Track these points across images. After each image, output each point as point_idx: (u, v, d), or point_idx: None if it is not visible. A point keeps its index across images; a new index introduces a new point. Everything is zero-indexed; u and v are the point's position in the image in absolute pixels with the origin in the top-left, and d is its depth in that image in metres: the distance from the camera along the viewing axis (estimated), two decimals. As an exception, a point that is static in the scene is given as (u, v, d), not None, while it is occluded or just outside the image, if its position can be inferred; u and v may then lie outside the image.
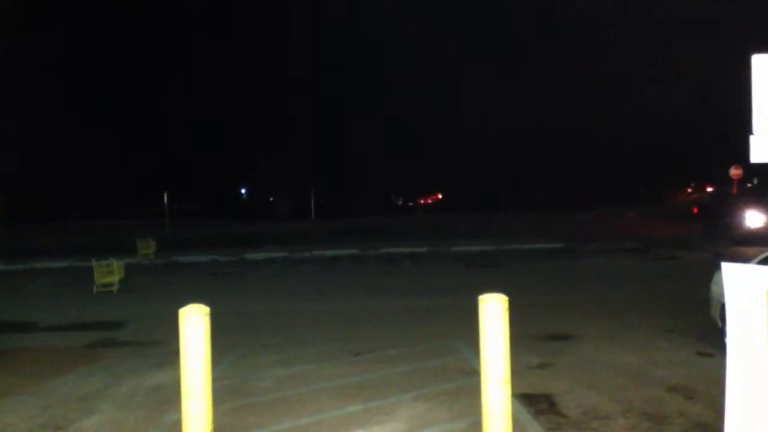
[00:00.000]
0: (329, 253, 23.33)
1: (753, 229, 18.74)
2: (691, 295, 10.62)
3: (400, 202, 75.49)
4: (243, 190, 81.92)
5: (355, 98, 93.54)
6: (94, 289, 15.06)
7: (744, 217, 19.27)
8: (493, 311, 4.52)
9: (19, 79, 58.41)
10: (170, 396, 6.48)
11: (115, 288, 15.14)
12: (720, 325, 7.80)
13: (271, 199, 76.15)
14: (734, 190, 26.77)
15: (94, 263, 15.39)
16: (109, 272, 15.32)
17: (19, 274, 20.23)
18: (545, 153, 77.80)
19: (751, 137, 4.54)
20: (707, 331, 8.39)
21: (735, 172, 40.13)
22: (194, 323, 4.37)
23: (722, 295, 5.22)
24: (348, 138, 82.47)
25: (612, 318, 10.15)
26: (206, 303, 4.45)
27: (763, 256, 7.48)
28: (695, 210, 30.23)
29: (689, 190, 77.54)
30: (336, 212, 56.98)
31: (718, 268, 6.82)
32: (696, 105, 68.30)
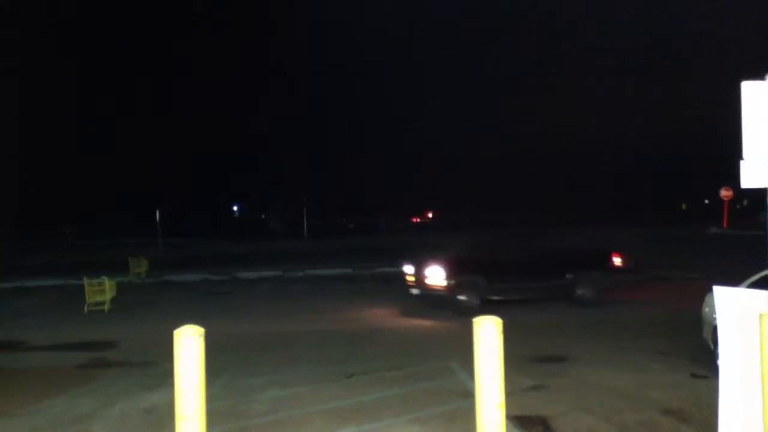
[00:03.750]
0: (322, 272, 23.28)
1: (431, 287, 13.28)
2: (682, 316, 10.67)
3: (383, 222, 75.62)
4: (235, 208, 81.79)
5: (351, 115, 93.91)
6: (86, 308, 14.95)
7: (424, 272, 13.45)
8: (488, 334, 4.54)
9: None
10: (163, 417, 6.43)
11: (106, 307, 15.04)
12: (712, 347, 7.82)
13: (263, 216, 76.03)
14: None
15: (85, 281, 15.30)
16: (101, 291, 15.22)
17: (9, 293, 20.07)
18: (533, 174, 78.20)
19: (742, 162, 4.60)
20: (700, 353, 8.42)
21: (725, 193, 40.50)
22: (189, 344, 4.35)
23: (714, 318, 5.27)
24: (345, 156, 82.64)
25: (605, 339, 10.17)
26: (198, 322, 4.45)
27: (753, 279, 7.54)
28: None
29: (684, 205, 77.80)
30: (329, 231, 56.89)
31: (710, 291, 6.87)
32: (688, 126, 68.93)
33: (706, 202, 68.18)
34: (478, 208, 74.03)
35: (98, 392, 7.93)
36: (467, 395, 6.67)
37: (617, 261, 14.39)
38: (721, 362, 4.32)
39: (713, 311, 4.77)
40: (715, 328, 7.26)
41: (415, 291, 13.80)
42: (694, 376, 7.80)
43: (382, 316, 13.61)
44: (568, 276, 13.78)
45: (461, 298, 13.03)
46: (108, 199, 68.17)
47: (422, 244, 19.35)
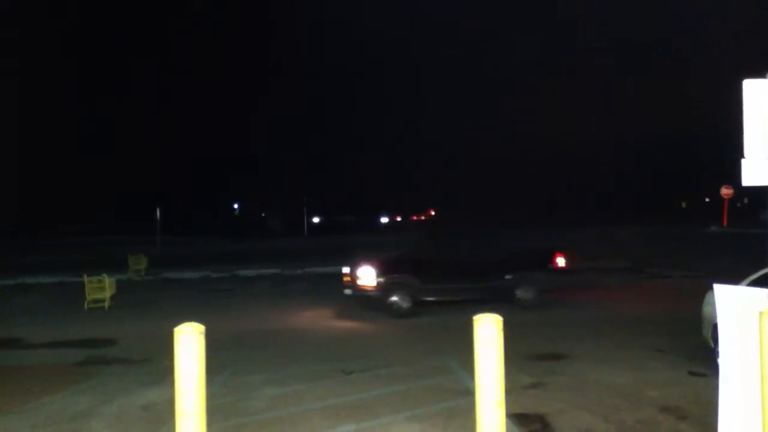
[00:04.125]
0: (321, 270, 23.26)
1: (362, 288, 12.97)
2: (681, 314, 10.67)
3: (385, 220, 75.56)
4: (236, 206, 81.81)
5: (355, 116, 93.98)
6: (85, 305, 14.95)
7: (356, 273, 13.15)
8: (488, 332, 4.53)
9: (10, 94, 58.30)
10: (162, 414, 6.42)
11: (106, 304, 15.04)
12: (712, 345, 7.82)
13: (263, 215, 76.05)
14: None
15: (85, 279, 15.29)
16: (101, 288, 15.22)
17: (9, 290, 20.06)
18: (535, 173, 78.20)
19: (743, 161, 4.59)
20: (699, 350, 8.42)
21: (726, 192, 40.49)
22: (189, 342, 4.35)
23: (714, 316, 5.26)
24: (345, 155, 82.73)
25: (604, 337, 10.17)
26: (198, 320, 4.44)
27: (754, 277, 7.53)
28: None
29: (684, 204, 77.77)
30: (329, 229, 56.93)
31: (710, 288, 6.87)
32: (689, 125, 68.93)
33: (707, 200, 68.17)
34: (478, 207, 74.10)
35: (97, 389, 7.92)
36: (466, 393, 6.67)
37: (561, 261, 14.03)
38: (721, 360, 4.31)
39: (713, 309, 4.76)
40: (714, 327, 7.26)
41: (347, 291, 13.46)
42: (692, 374, 7.79)
43: (380, 313, 13.60)
44: (507, 277, 13.45)
45: (393, 299, 12.81)
46: (108, 199, 68.19)
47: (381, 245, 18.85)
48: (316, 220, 73.64)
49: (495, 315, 4.64)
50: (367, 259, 13.38)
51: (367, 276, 12.95)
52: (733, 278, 7.09)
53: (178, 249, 36.87)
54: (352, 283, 13.24)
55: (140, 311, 14.92)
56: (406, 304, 12.82)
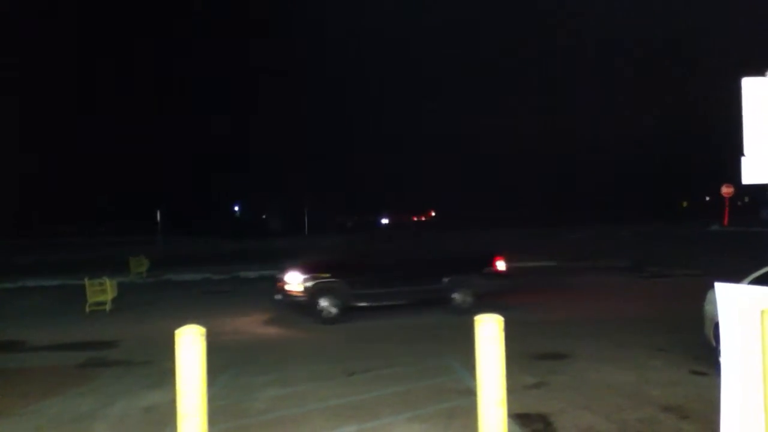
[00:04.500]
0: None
1: (290, 293, 12.74)
2: (682, 313, 10.67)
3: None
4: (236, 207, 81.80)
5: (354, 116, 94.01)
6: (87, 307, 14.96)
7: (284, 277, 12.95)
8: (489, 332, 4.53)
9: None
10: (164, 416, 6.43)
11: (107, 307, 15.05)
12: (714, 344, 7.82)
13: (264, 216, 76.06)
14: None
15: (86, 281, 15.30)
16: (102, 291, 15.23)
17: (11, 293, 20.07)
18: (534, 171, 78.21)
19: (743, 159, 4.60)
20: (700, 349, 8.42)
21: (727, 190, 40.49)
22: (190, 344, 4.35)
23: (716, 315, 5.25)
24: (345, 155, 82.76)
25: (605, 337, 10.17)
26: (199, 322, 4.45)
27: (755, 275, 7.53)
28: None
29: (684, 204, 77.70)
30: (330, 229, 56.94)
31: (712, 287, 6.86)
32: (690, 123, 68.88)
33: (708, 199, 68.13)
34: (480, 206, 74.12)
35: (99, 392, 7.93)
36: (468, 393, 6.67)
37: (501, 265, 13.72)
38: (723, 359, 4.31)
39: (714, 308, 4.76)
40: (716, 325, 7.25)
41: (277, 297, 13.19)
42: (693, 372, 7.79)
43: (382, 313, 13.60)
44: (444, 280, 13.16)
45: (321, 304, 12.57)
46: (108, 199, 68.22)
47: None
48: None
49: (496, 315, 4.64)
50: (296, 263, 13.22)
51: (294, 281, 12.70)
52: (735, 277, 7.08)
53: (179, 250, 36.88)
54: (281, 288, 12.96)
55: (141, 313, 14.92)
56: (335, 310, 12.56)
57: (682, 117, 70.23)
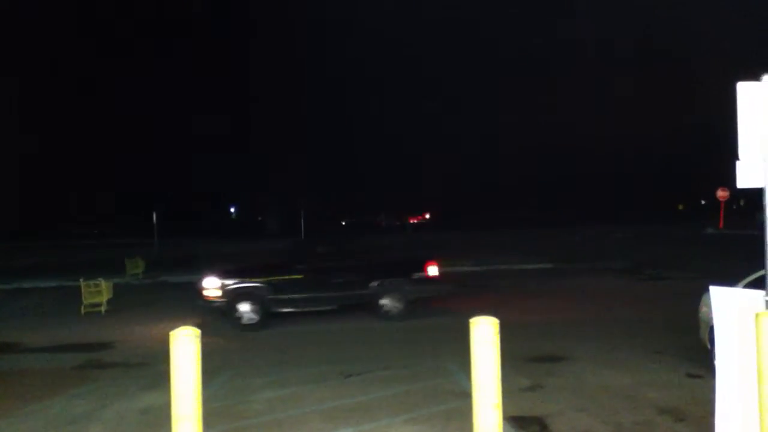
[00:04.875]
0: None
1: (208, 298, 12.45)
2: (679, 316, 10.68)
3: (384, 223, 75.51)
4: (232, 209, 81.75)
5: (353, 117, 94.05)
6: (82, 309, 14.92)
7: (201, 283, 12.70)
8: (485, 334, 4.54)
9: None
10: (160, 418, 6.42)
11: (103, 308, 15.02)
12: (709, 347, 7.84)
13: (260, 218, 76.01)
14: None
15: (82, 283, 15.26)
16: (98, 292, 15.19)
17: (6, 294, 20.01)
18: (533, 171, 78.35)
19: (737, 163, 4.61)
20: (696, 352, 8.43)
21: (722, 194, 40.53)
22: (185, 346, 4.36)
23: (711, 318, 5.27)
24: (344, 157, 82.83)
25: (602, 339, 10.18)
26: (195, 324, 4.45)
27: (750, 279, 7.55)
28: None
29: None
30: (326, 231, 56.93)
31: (707, 290, 6.88)
32: (684, 126, 69.07)
33: (703, 202, 68.28)
34: (478, 207, 74.19)
35: (95, 393, 7.92)
36: (464, 395, 6.67)
37: (432, 271, 13.28)
38: (718, 362, 4.33)
39: (710, 311, 4.78)
40: (711, 328, 7.28)
41: (200, 302, 12.77)
42: (690, 375, 7.81)
43: (372, 315, 13.60)
44: (372, 285, 12.82)
45: (241, 309, 12.27)
46: (106, 200, 68.10)
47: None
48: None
49: (491, 317, 4.65)
50: (215, 268, 13.02)
51: (212, 286, 12.40)
52: (730, 280, 7.11)
53: (176, 251, 36.81)
54: (199, 294, 12.66)
55: (137, 315, 14.88)
56: (255, 315, 12.25)
57: (680, 120, 70.46)
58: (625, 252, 28.05)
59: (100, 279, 15.47)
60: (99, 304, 15.08)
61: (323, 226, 60.30)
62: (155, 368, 8.76)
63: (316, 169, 78.06)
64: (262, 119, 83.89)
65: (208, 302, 12.51)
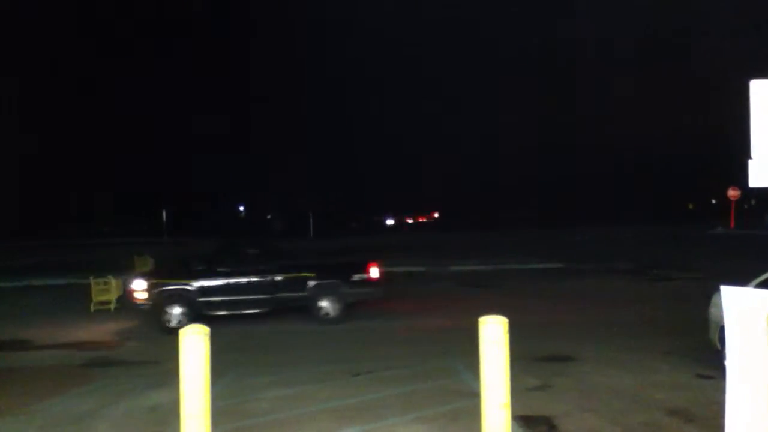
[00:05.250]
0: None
1: (136, 301, 12.28)
2: (687, 316, 10.62)
3: (391, 222, 75.62)
4: (241, 208, 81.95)
5: (355, 117, 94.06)
6: (91, 307, 14.98)
7: (129, 286, 12.57)
8: (493, 333, 4.52)
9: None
10: (167, 416, 6.43)
11: (112, 306, 15.07)
12: (719, 347, 7.78)
13: (269, 217, 76.19)
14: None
15: (91, 280, 15.32)
16: (107, 290, 15.25)
17: (16, 292, 20.12)
18: (537, 172, 78.17)
19: (750, 162, 4.56)
20: (705, 353, 8.37)
21: (733, 193, 40.30)
22: (194, 344, 4.36)
23: (721, 318, 5.22)
24: (349, 157, 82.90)
25: (610, 339, 10.13)
26: (202, 321, 4.45)
27: (761, 279, 7.49)
28: None
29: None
30: (333, 231, 57.02)
31: (717, 290, 6.82)
32: (695, 124, 68.69)
33: (713, 202, 67.87)
34: (483, 207, 74.09)
35: (103, 391, 7.94)
36: (472, 395, 6.64)
37: (374, 272, 12.96)
38: (728, 363, 4.28)
39: (720, 311, 4.73)
40: (721, 329, 7.22)
41: (130, 305, 12.69)
42: (699, 376, 7.75)
43: (385, 315, 13.59)
44: (309, 287, 12.59)
45: (169, 312, 12.09)
46: (114, 199, 68.36)
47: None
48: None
49: (501, 316, 4.62)
50: (144, 271, 12.59)
51: (139, 288, 12.23)
52: (740, 280, 7.05)
53: (184, 249, 36.92)
54: (128, 297, 12.50)
55: (146, 313, 14.91)
56: (184, 318, 11.91)
57: (689, 118, 70.07)
58: (633, 252, 27.92)
59: (109, 276, 15.52)
60: (108, 302, 15.14)
61: (331, 226, 60.40)
62: (164, 366, 8.78)
63: (316, 169, 78.14)
64: (262, 119, 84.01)
65: (135, 305, 12.32)
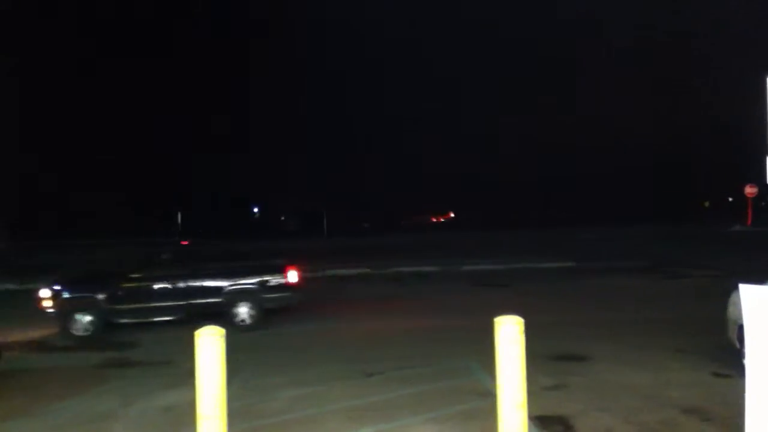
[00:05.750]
0: (339, 272, 23.29)
1: (43, 308, 11.97)
2: (704, 314, 10.52)
3: (404, 222, 75.57)
4: (255, 208, 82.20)
5: (352, 117, 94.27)
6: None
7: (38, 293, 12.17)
8: (510, 333, 4.50)
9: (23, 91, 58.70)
10: (182, 417, 6.45)
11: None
12: (737, 346, 7.70)
13: (282, 218, 76.42)
14: None
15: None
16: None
17: (29, 293, 20.20)
18: (547, 170, 77.86)
19: (767, 158, 4.51)
20: (722, 351, 8.28)
21: (750, 190, 39.85)
22: (210, 345, 4.38)
23: (740, 316, 5.16)
24: (361, 157, 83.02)
25: (625, 338, 10.06)
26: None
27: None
28: None
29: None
30: (347, 231, 57.11)
31: (735, 288, 6.75)
32: (710, 120, 68.12)
33: (730, 199, 67.24)
34: (497, 206, 73.92)
35: (118, 392, 7.99)
36: (486, 395, 6.62)
37: (292, 276, 12.59)
38: (748, 361, 4.23)
39: (739, 310, 4.68)
40: (740, 327, 7.14)
41: (41, 311, 12.19)
42: (715, 374, 7.67)
43: (399, 314, 13.58)
44: (224, 292, 12.24)
45: (77, 319, 11.76)
46: (128, 200, 68.76)
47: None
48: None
49: (516, 316, 4.60)
50: (53, 277, 12.51)
51: (45, 296, 11.91)
52: (759, 278, 6.97)
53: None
54: (37, 303, 12.08)
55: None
56: (91, 326, 11.74)
57: (705, 115, 69.53)
58: (649, 250, 27.71)
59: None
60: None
61: (345, 226, 60.49)
62: (178, 367, 8.81)
63: (329, 170, 78.28)
64: (262, 119, 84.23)
65: (44, 311, 12.00)
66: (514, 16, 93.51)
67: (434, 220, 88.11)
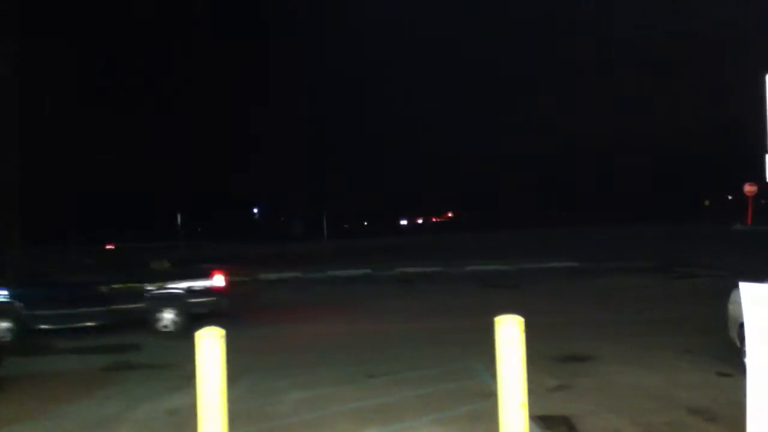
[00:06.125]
0: (343, 273, 23.31)
1: None
2: (708, 314, 10.52)
3: (405, 222, 75.67)
4: (255, 210, 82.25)
5: (353, 116, 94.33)
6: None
7: None
8: (510, 333, 4.52)
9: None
10: (187, 419, 6.46)
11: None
12: (738, 345, 7.71)
13: (282, 219, 76.50)
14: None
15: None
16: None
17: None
18: (547, 170, 77.84)
19: (767, 156, 4.53)
20: (726, 350, 8.28)
21: (750, 189, 39.76)
22: (210, 346, 4.39)
23: (740, 315, 5.18)
24: (362, 158, 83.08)
25: (630, 338, 10.06)
26: (219, 324, 4.48)
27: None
28: None
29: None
30: (347, 232, 57.14)
31: (736, 287, 6.76)
32: (709, 119, 68.07)
33: (730, 198, 67.15)
34: (503, 206, 73.90)
35: (123, 395, 8.01)
36: (491, 396, 6.62)
37: (218, 281, 12.36)
38: (748, 360, 4.25)
39: (739, 308, 4.69)
40: (741, 326, 7.15)
41: None
42: (720, 374, 7.67)
43: (403, 315, 13.59)
44: (147, 298, 11.96)
45: None
46: (130, 203, 68.73)
47: None
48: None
49: (517, 316, 4.62)
50: None
51: None
52: (759, 276, 6.98)
53: (200, 253, 37.15)
54: None
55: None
56: (8, 334, 11.37)
57: (705, 114, 69.46)
58: (654, 250, 27.67)
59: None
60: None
61: (346, 227, 60.52)
62: (183, 369, 8.81)
63: (316, 170, 78.28)
64: (262, 119, 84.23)
65: None
66: (514, 16, 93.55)
67: (434, 220, 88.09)
